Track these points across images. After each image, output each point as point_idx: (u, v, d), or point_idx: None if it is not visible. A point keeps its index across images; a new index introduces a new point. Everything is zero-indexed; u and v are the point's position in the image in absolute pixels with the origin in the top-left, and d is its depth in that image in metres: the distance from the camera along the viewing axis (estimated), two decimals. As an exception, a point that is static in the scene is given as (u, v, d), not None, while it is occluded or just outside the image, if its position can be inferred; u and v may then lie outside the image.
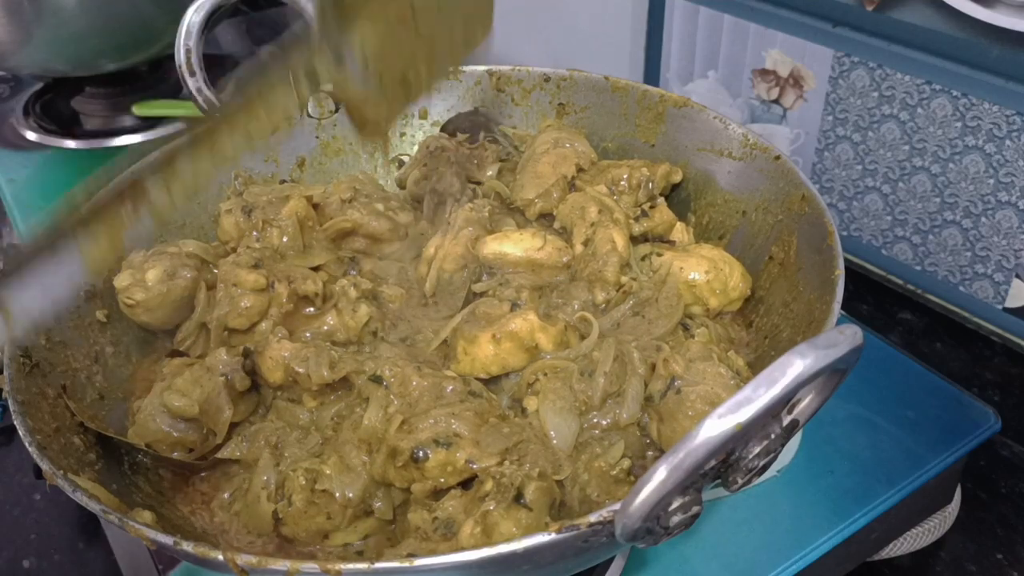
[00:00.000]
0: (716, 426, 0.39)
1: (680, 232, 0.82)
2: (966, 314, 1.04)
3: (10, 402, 0.60)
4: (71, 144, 1.37)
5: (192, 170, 0.56)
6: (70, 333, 0.72)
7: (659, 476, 0.40)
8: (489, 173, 0.90)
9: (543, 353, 0.68)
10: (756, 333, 0.74)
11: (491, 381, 0.69)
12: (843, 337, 0.40)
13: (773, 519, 0.76)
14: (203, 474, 0.68)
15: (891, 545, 0.83)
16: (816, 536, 0.74)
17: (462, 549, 0.49)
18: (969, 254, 1.00)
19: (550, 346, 0.68)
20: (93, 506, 0.53)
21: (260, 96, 0.58)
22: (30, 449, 0.57)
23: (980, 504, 0.87)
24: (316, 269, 0.78)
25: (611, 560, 0.72)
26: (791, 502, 0.77)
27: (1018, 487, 0.88)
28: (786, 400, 0.39)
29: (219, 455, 0.67)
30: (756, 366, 0.69)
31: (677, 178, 0.85)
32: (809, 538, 0.74)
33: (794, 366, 0.38)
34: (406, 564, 0.44)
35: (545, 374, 0.66)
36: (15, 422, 0.59)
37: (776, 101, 1.13)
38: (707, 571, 0.72)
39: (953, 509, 0.85)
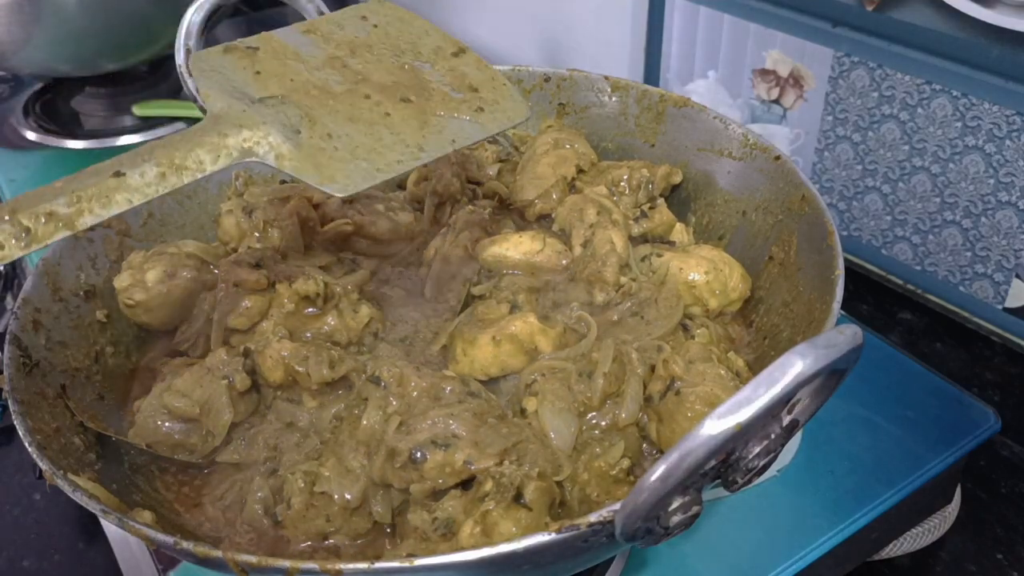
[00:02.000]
0: (716, 426, 0.39)
1: (680, 233, 0.82)
2: (966, 314, 1.04)
3: (10, 402, 0.60)
4: (71, 144, 1.38)
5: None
6: (70, 333, 0.72)
7: (659, 476, 0.40)
8: (489, 173, 0.90)
9: (542, 355, 0.68)
10: (756, 333, 0.74)
11: (490, 382, 0.69)
12: (843, 337, 0.40)
13: (773, 519, 0.76)
14: (205, 471, 0.68)
15: (891, 545, 0.83)
16: (816, 536, 0.74)
17: (462, 549, 0.49)
18: (969, 254, 1.00)
19: (549, 348, 0.68)
20: (93, 506, 0.53)
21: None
22: (30, 449, 0.57)
23: (980, 504, 0.87)
24: (322, 269, 0.78)
25: (611, 560, 0.72)
26: (791, 502, 0.77)
27: (1018, 487, 0.88)
28: (786, 400, 0.39)
29: (219, 459, 0.67)
30: (756, 366, 0.69)
31: (677, 179, 0.85)
32: (809, 538, 0.74)
33: (794, 366, 0.38)
34: (406, 564, 0.44)
35: (544, 375, 0.66)
36: (15, 422, 0.59)
37: (776, 101, 1.13)
38: (707, 571, 0.72)
39: (953, 509, 0.85)
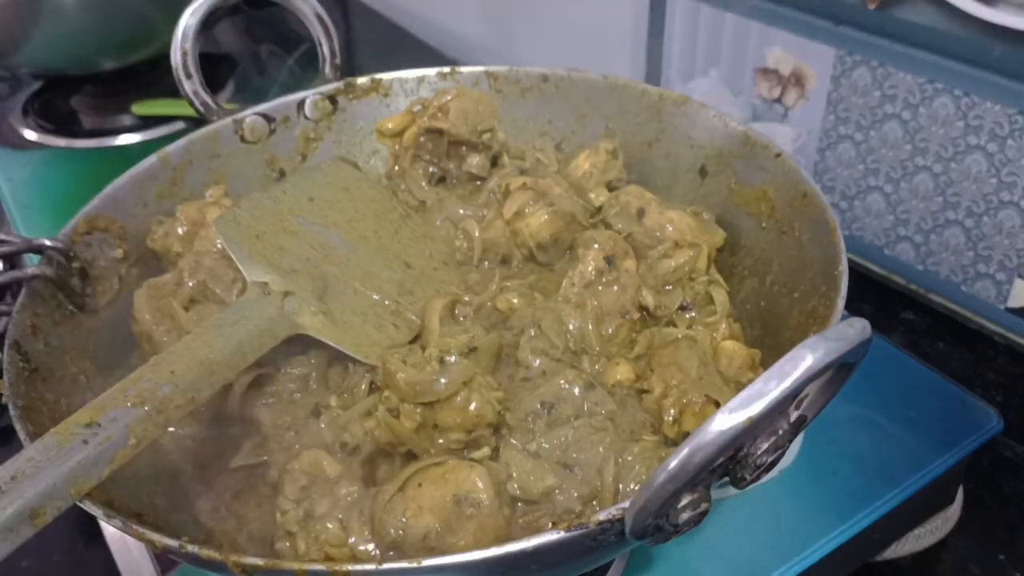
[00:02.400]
0: (727, 420, 0.38)
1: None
2: (968, 314, 1.04)
3: (10, 407, 0.60)
4: (70, 143, 1.38)
5: None
6: (69, 338, 0.72)
7: (670, 472, 0.40)
8: (475, 160, 0.88)
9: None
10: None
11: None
12: (853, 330, 0.40)
13: (775, 520, 0.75)
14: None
15: (893, 546, 0.83)
16: (818, 537, 0.73)
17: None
18: (971, 254, 1.00)
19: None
20: (95, 510, 0.52)
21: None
22: (31, 453, 0.56)
23: (983, 505, 0.87)
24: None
25: (611, 561, 0.72)
26: (793, 503, 0.77)
27: (1021, 488, 0.88)
28: (795, 394, 0.39)
29: (234, 464, 0.67)
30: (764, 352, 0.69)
31: (720, 241, 0.79)
32: (811, 539, 0.73)
33: (805, 359, 0.38)
34: (413, 564, 0.44)
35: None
36: (16, 426, 0.58)
37: (778, 100, 1.13)
38: (709, 571, 0.72)
39: (955, 510, 0.85)
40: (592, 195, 0.83)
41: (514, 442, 0.61)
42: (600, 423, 0.61)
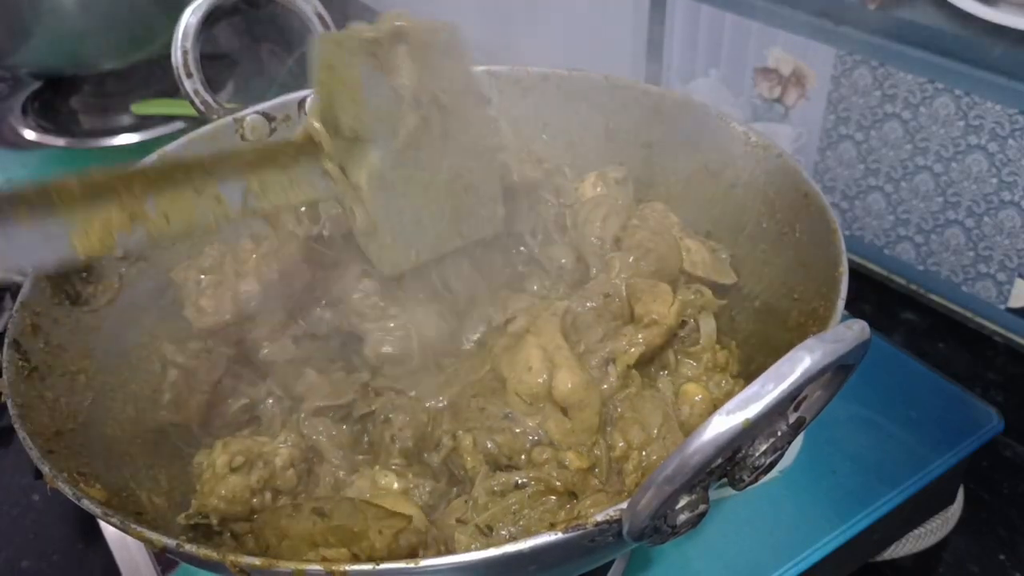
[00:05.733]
0: (724, 423, 0.38)
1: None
2: (969, 314, 1.03)
3: (9, 405, 0.60)
4: (69, 143, 1.38)
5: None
6: (68, 337, 0.72)
7: (667, 474, 0.40)
8: None
9: None
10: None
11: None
12: (851, 332, 0.39)
13: (775, 520, 0.75)
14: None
15: (893, 546, 0.83)
16: (818, 537, 0.74)
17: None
18: (972, 254, 1.00)
19: None
20: (94, 509, 0.52)
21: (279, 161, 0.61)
22: (30, 453, 0.56)
23: (983, 505, 0.87)
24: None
25: (611, 561, 0.72)
26: (793, 503, 0.77)
27: (1021, 488, 0.88)
28: (793, 396, 0.39)
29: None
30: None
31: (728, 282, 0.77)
32: (811, 539, 0.73)
33: (802, 361, 0.38)
34: (411, 565, 0.44)
35: None
36: (15, 425, 0.58)
37: (778, 100, 1.12)
38: (709, 571, 0.72)
39: (956, 510, 0.85)
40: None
41: None
42: None
